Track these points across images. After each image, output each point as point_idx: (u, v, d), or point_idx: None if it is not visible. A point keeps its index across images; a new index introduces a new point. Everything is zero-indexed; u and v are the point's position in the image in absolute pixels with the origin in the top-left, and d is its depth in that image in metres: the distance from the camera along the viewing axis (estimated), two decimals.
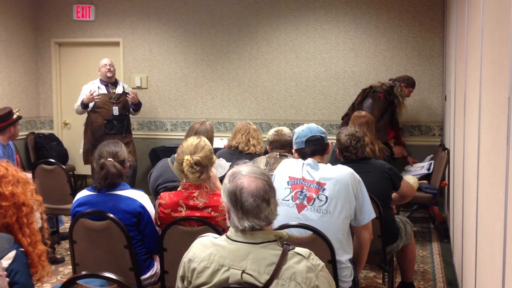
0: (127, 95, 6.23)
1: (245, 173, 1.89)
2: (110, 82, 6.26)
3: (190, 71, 7.12)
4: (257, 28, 6.88)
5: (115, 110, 6.17)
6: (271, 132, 3.95)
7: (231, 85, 7.02)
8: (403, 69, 6.47)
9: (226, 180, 1.91)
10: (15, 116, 4.89)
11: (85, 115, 6.27)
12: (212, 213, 2.81)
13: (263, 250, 1.83)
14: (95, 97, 6.07)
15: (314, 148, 2.93)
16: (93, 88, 6.16)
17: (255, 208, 1.83)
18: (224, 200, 1.91)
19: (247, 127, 4.40)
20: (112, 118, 6.16)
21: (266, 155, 3.84)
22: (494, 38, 2.19)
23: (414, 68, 6.45)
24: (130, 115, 6.46)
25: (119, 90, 6.28)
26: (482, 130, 2.56)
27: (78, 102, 6.14)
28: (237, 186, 1.86)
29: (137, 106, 6.36)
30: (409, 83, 5.97)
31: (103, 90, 6.20)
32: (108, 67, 6.22)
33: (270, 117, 6.93)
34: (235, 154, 4.29)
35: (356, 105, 5.96)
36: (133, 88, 6.79)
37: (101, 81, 6.25)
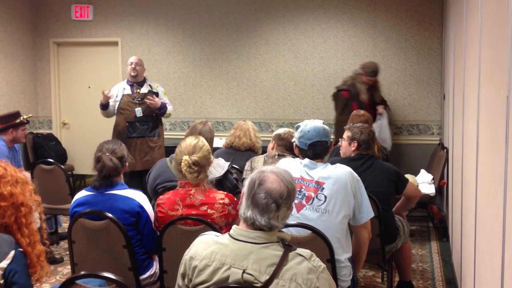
0: (147, 98, 5.61)
1: (275, 171, 1.92)
2: (136, 81, 5.74)
3: (188, 70, 7.12)
4: (255, 27, 6.88)
5: (138, 112, 5.61)
6: (284, 129, 3.90)
7: (230, 85, 7.02)
8: (401, 67, 6.48)
9: (256, 169, 1.96)
10: (18, 120, 4.87)
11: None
12: (209, 210, 2.82)
13: (264, 250, 1.83)
14: (109, 96, 5.56)
15: (317, 151, 2.92)
16: (119, 88, 5.74)
17: (263, 205, 1.85)
18: (245, 184, 1.94)
19: (239, 124, 4.53)
20: (134, 120, 5.62)
21: (265, 155, 3.83)
22: (493, 37, 2.19)
23: (413, 67, 6.46)
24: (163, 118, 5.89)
25: (144, 90, 5.72)
26: (480, 129, 2.56)
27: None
28: (259, 178, 1.89)
29: (160, 110, 5.69)
30: (366, 71, 5.93)
31: (128, 90, 5.71)
32: (133, 66, 5.69)
33: (268, 117, 6.93)
34: (232, 153, 4.31)
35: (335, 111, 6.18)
36: None
37: (128, 81, 5.78)
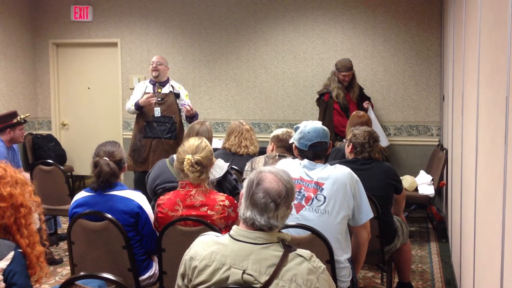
0: (184, 105, 5.46)
1: (273, 171, 1.93)
2: (159, 81, 5.58)
3: (188, 71, 7.12)
4: (255, 28, 6.88)
5: (157, 111, 5.45)
6: (282, 130, 3.85)
7: (229, 86, 7.02)
8: (401, 69, 6.48)
9: (255, 170, 1.97)
10: (15, 120, 4.88)
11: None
12: (209, 211, 2.83)
13: (264, 251, 1.84)
14: (151, 101, 5.40)
15: (317, 152, 2.92)
16: (143, 87, 5.58)
17: (262, 204, 1.85)
18: (243, 185, 1.95)
19: (240, 129, 4.40)
20: (152, 120, 5.47)
21: (265, 155, 3.82)
22: (492, 38, 2.19)
23: (412, 68, 6.46)
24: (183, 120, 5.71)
25: (165, 90, 5.55)
26: (480, 130, 2.56)
27: (132, 102, 5.50)
28: (257, 178, 1.90)
29: (192, 119, 5.44)
30: (338, 68, 5.94)
31: (149, 89, 5.56)
32: (154, 65, 5.53)
33: (268, 118, 6.93)
34: (230, 156, 4.29)
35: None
36: (130, 89, 6.79)
37: (150, 80, 5.63)
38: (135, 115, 5.65)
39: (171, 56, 7.12)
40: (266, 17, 6.83)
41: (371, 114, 5.88)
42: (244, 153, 4.31)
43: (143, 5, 7.17)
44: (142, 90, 5.60)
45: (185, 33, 7.08)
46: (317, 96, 6.27)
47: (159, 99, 5.49)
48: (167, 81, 5.65)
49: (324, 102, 6.05)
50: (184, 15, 7.06)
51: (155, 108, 5.46)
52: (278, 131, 3.85)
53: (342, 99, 5.95)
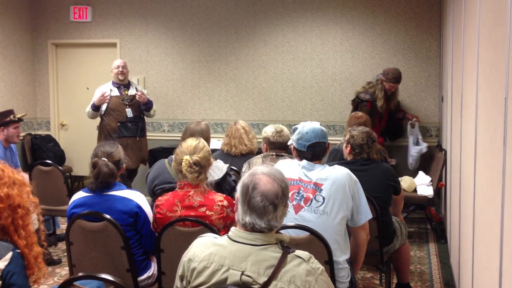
0: (136, 95, 5.95)
1: (266, 172, 1.91)
2: (123, 84, 6.01)
3: (187, 72, 7.12)
4: (254, 29, 6.88)
5: (129, 112, 5.92)
6: (271, 130, 3.81)
7: (229, 86, 7.02)
8: (400, 70, 6.46)
9: (246, 173, 1.95)
10: (8, 119, 4.87)
11: (98, 119, 6.05)
12: (207, 212, 2.83)
13: (263, 252, 1.83)
14: (106, 99, 5.85)
15: (315, 153, 2.92)
16: (106, 90, 5.92)
17: (261, 208, 1.84)
18: (237, 190, 1.93)
19: (238, 129, 4.38)
20: (126, 120, 5.91)
21: (262, 155, 3.81)
22: (491, 39, 2.19)
23: (411, 69, 6.46)
24: (146, 118, 6.23)
25: (132, 92, 6.00)
26: (479, 131, 2.56)
27: (89, 105, 5.92)
28: (252, 181, 1.88)
29: (147, 105, 6.01)
30: (388, 78, 5.85)
31: (116, 92, 5.95)
32: (120, 69, 5.95)
33: (267, 118, 6.93)
34: (229, 157, 4.29)
35: None
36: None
37: (113, 83, 6.00)
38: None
39: (171, 57, 7.13)
40: (265, 17, 6.83)
41: (417, 127, 6.11)
42: (243, 154, 4.32)
43: (143, 6, 7.16)
44: (106, 94, 5.90)
45: (185, 33, 7.08)
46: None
47: (129, 100, 5.95)
48: (129, 83, 6.11)
49: (367, 110, 5.80)
50: (183, 15, 7.06)
51: (126, 110, 5.92)
52: (268, 132, 3.82)
53: (384, 110, 5.88)
